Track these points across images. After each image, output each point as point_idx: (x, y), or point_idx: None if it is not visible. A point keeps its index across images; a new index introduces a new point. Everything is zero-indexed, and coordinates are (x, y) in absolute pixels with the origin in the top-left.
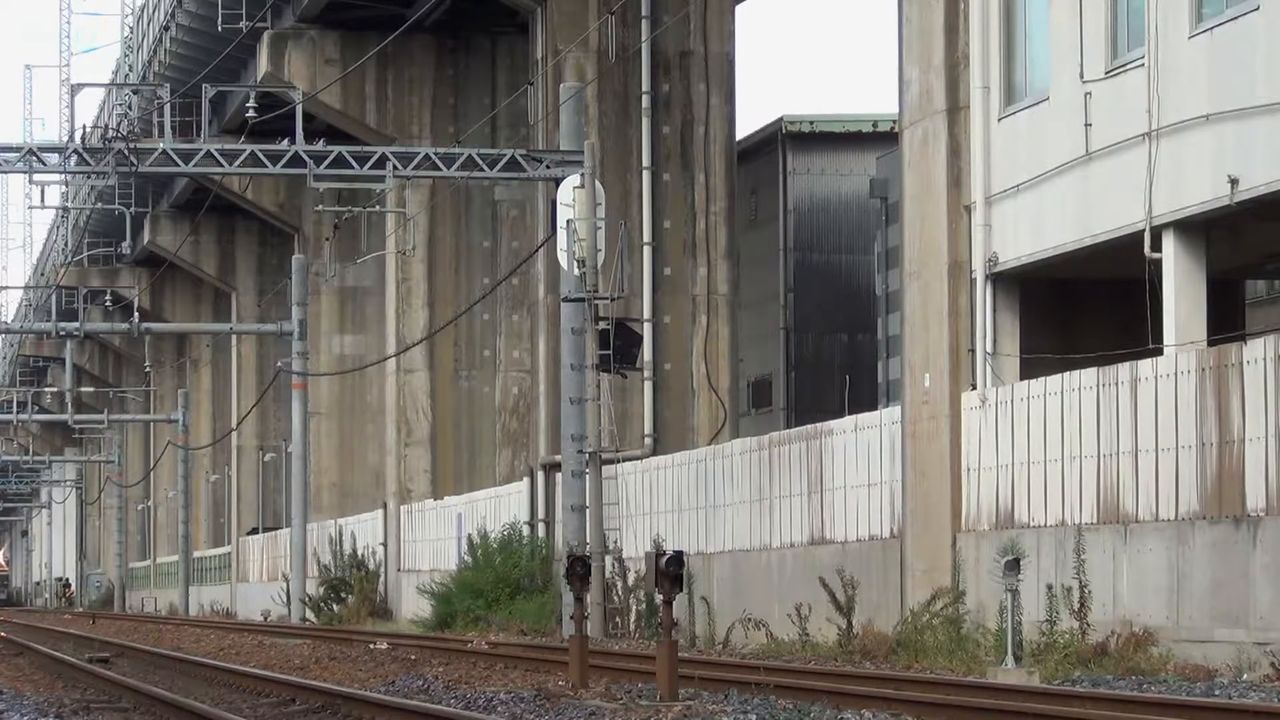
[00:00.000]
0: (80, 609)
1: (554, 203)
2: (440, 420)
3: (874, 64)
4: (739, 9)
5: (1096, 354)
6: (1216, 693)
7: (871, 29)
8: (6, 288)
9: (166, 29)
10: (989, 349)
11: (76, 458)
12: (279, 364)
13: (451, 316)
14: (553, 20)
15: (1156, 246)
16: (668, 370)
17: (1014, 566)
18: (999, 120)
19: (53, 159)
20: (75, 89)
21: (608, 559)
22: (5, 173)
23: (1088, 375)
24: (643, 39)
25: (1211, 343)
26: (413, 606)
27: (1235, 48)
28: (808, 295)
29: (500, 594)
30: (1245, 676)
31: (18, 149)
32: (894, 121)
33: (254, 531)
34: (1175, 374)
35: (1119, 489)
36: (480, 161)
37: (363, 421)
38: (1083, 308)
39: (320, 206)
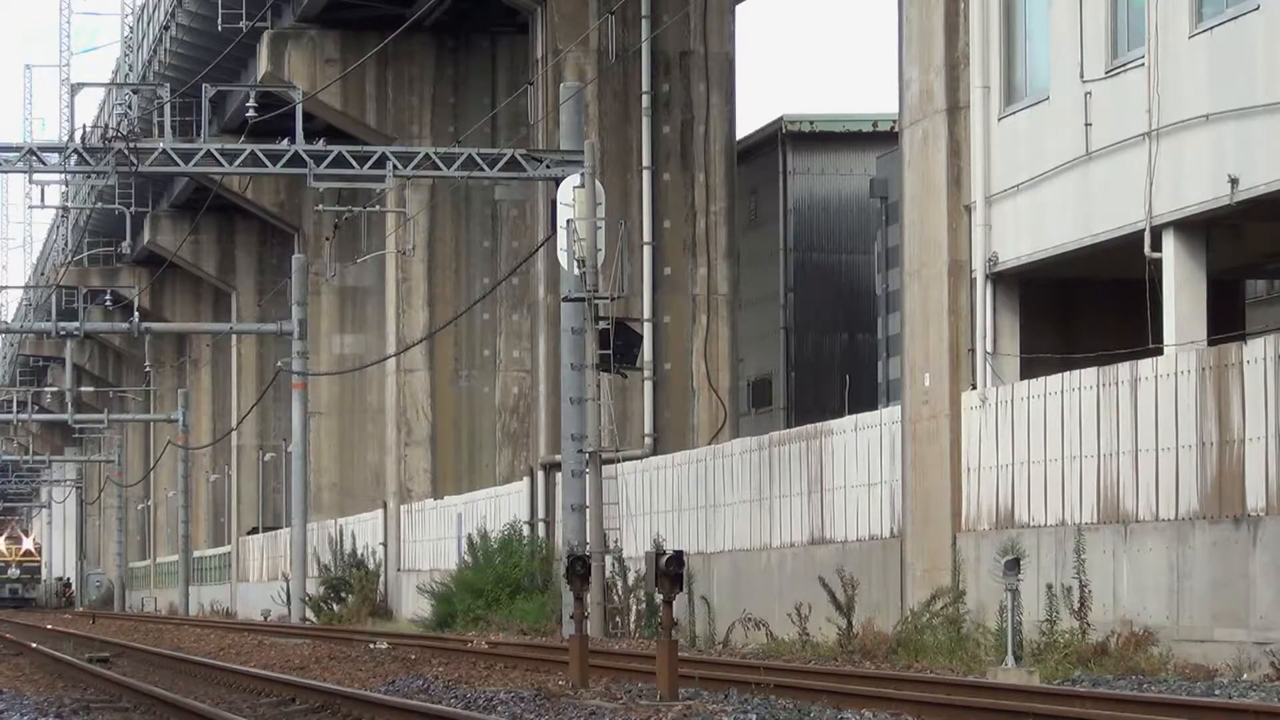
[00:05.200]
0: (80, 609)
1: (554, 203)
2: (440, 420)
3: (874, 64)
4: (739, 9)
5: (1096, 354)
6: (1216, 693)
7: (871, 29)
8: (6, 288)
9: (166, 29)
10: (989, 349)
11: (76, 458)
12: (279, 364)
13: (451, 316)
14: (553, 20)
15: (1156, 246)
16: (668, 370)
17: (1014, 566)
18: (999, 120)
19: (53, 159)
20: (75, 89)
21: (608, 559)
22: (5, 173)
23: (1088, 375)
24: (643, 39)
25: (1211, 342)
26: (413, 606)
27: (1235, 48)
28: (808, 295)
29: (500, 594)
30: (1245, 676)
31: (18, 149)
32: (894, 121)
33: (254, 531)
34: (1175, 374)
35: (1119, 489)
36: (480, 161)
37: (363, 421)
38: (1083, 308)
39: (320, 206)
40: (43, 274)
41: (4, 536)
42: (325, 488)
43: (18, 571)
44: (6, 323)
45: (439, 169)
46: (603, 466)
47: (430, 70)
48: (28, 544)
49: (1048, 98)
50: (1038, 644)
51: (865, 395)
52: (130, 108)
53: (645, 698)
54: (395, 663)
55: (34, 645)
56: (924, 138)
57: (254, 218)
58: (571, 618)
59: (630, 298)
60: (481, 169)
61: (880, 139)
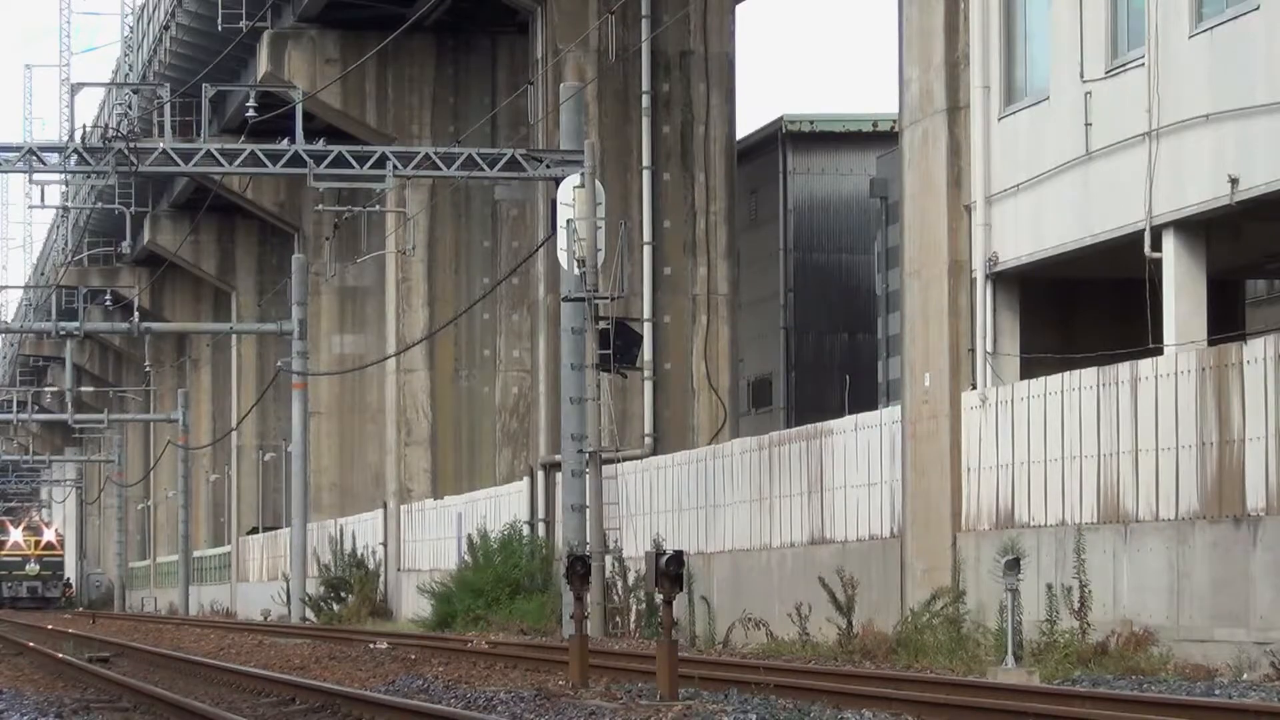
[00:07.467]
0: (80, 609)
1: (554, 202)
2: (440, 420)
3: (874, 64)
4: (739, 9)
5: (1096, 354)
6: (1216, 693)
7: (871, 29)
8: (6, 287)
9: (166, 29)
10: (989, 349)
11: (76, 457)
12: (279, 364)
13: (451, 316)
14: (553, 20)
15: (1156, 246)
16: (668, 370)
17: (1014, 566)
18: (999, 120)
19: (53, 159)
20: (75, 89)
21: (608, 559)
22: (5, 172)
23: (1088, 375)
24: (643, 39)
25: (1211, 342)
26: (413, 606)
27: (1235, 48)
28: (808, 295)
29: (500, 594)
30: (1245, 676)
31: (18, 149)
32: (894, 121)
33: (254, 531)
34: (1175, 374)
35: (1119, 489)
36: (480, 161)
37: (363, 421)
38: (1083, 308)
39: (320, 206)
40: (43, 274)
41: (21, 527)
42: (325, 488)
43: (37, 567)
44: (6, 323)
45: (439, 169)
46: (603, 466)
47: (430, 70)
48: (49, 535)
49: (1048, 98)
50: (1038, 644)
51: (865, 395)
52: (130, 108)
53: (645, 698)
54: (395, 663)
55: (33, 645)
56: (924, 138)
57: (254, 218)
58: (571, 618)
59: (630, 298)
60: (481, 169)
61: (880, 139)
